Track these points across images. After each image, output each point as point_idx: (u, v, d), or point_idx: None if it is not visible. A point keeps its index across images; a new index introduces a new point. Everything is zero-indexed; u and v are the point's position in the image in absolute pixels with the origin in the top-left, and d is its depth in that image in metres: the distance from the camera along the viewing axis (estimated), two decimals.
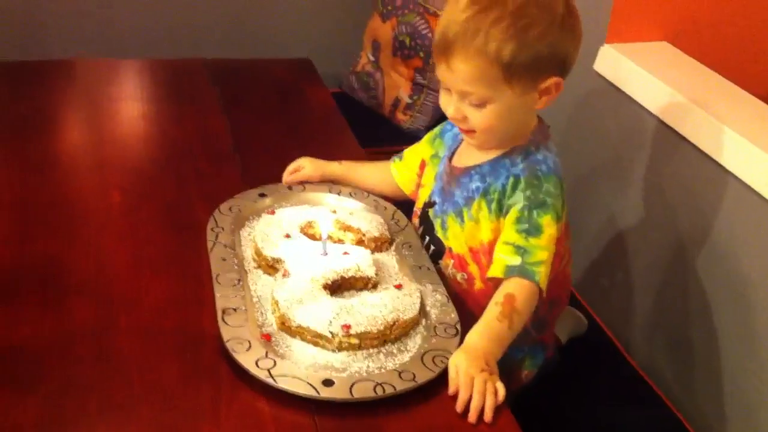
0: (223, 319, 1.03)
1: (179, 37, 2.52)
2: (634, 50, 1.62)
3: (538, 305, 1.11)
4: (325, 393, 0.95)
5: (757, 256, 1.32)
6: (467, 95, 1.11)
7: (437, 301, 1.11)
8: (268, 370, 0.96)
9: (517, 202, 1.12)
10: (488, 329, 1.04)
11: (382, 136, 2.29)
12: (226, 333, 1.01)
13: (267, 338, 1.03)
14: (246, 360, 0.97)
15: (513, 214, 1.12)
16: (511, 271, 1.08)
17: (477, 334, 1.04)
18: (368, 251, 1.17)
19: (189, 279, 1.15)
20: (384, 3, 2.38)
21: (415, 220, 1.29)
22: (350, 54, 2.52)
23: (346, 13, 2.60)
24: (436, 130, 1.30)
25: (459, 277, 1.21)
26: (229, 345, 0.99)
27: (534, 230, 1.10)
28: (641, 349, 1.60)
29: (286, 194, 1.31)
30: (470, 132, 1.15)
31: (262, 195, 1.30)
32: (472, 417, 0.95)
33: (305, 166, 1.34)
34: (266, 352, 0.99)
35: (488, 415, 0.95)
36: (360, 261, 1.13)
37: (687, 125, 1.44)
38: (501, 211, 1.14)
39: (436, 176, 1.26)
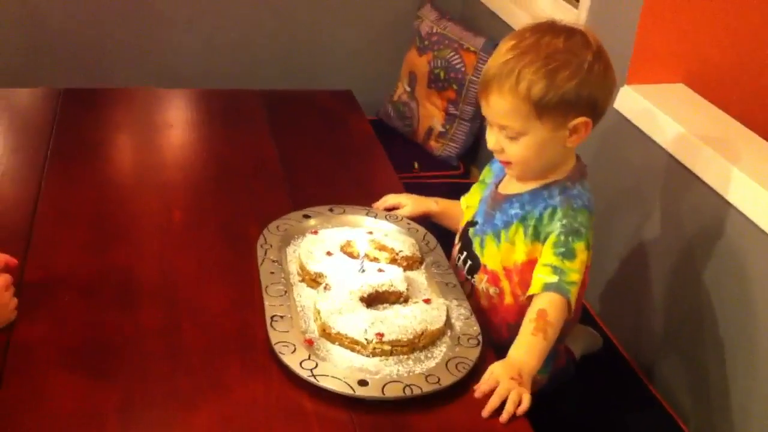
0: (271, 325, 1.14)
1: (234, 70, 2.65)
2: (652, 91, 1.69)
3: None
4: (361, 391, 1.05)
5: (761, 285, 1.40)
6: (504, 128, 1.22)
7: (461, 314, 1.22)
8: (311, 370, 1.07)
9: (555, 229, 1.22)
10: (525, 343, 1.15)
11: (414, 162, 2.41)
12: (274, 337, 1.12)
13: (310, 343, 1.13)
14: (291, 361, 1.08)
15: (551, 240, 1.22)
16: (548, 288, 1.19)
17: (515, 348, 1.14)
18: (401, 269, 1.27)
19: (243, 288, 1.26)
20: (421, 38, 2.50)
21: (457, 236, 1.39)
22: (388, 84, 2.63)
23: (385, 47, 2.71)
24: (491, 162, 1.41)
25: (491, 291, 1.32)
26: (276, 348, 1.10)
27: (569, 254, 1.20)
28: (656, 370, 1.66)
29: (328, 216, 1.41)
30: (507, 163, 1.27)
31: (307, 216, 1.41)
32: (484, 413, 1.05)
33: (407, 204, 1.46)
34: (309, 355, 1.09)
35: (503, 417, 1.05)
36: (393, 277, 1.22)
37: (698, 163, 1.52)
38: (536, 236, 1.25)
39: (481, 200, 1.37)
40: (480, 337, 1.17)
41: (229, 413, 1.04)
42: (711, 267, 1.52)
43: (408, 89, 2.55)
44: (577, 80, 1.18)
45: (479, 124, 2.47)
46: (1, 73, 2.48)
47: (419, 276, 1.31)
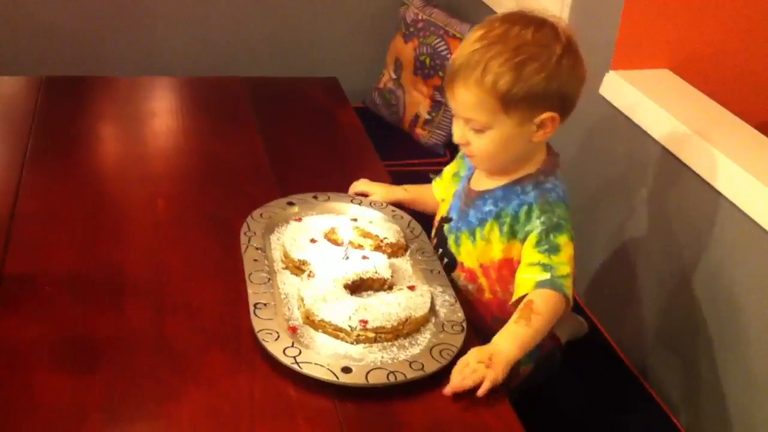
0: (254, 313, 1.13)
1: (219, 58, 2.64)
2: (637, 77, 1.69)
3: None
4: (344, 378, 1.04)
5: (747, 274, 1.40)
6: (470, 121, 1.20)
7: (446, 301, 1.21)
8: (294, 358, 1.06)
9: (535, 228, 1.20)
10: (506, 330, 1.13)
11: (400, 150, 2.40)
12: (257, 324, 1.12)
13: (293, 330, 1.13)
14: (275, 348, 1.08)
15: (532, 239, 1.19)
16: (541, 285, 1.15)
17: (500, 334, 1.13)
18: (385, 256, 1.27)
19: (228, 279, 1.25)
20: (407, 25, 2.49)
21: (433, 231, 1.38)
22: (374, 72, 2.63)
23: (371, 34, 2.71)
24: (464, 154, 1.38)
25: (470, 287, 1.31)
26: (259, 335, 1.10)
27: (554, 249, 1.18)
28: (647, 362, 1.66)
29: (312, 204, 1.41)
30: (472, 156, 1.25)
31: (291, 203, 1.41)
32: (446, 390, 1.05)
33: (376, 192, 1.45)
34: (293, 342, 1.09)
35: (446, 390, 1.05)
36: (377, 264, 1.22)
37: (684, 150, 1.52)
38: (513, 234, 1.23)
39: (454, 193, 1.35)
40: (464, 324, 1.17)
41: (213, 405, 1.03)
42: (699, 256, 1.52)
43: (394, 76, 2.55)
44: (545, 74, 1.15)
45: None
46: None
47: (404, 263, 1.30)
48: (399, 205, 1.45)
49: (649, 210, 1.67)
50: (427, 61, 2.42)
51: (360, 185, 1.47)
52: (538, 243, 1.19)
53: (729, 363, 1.46)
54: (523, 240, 1.21)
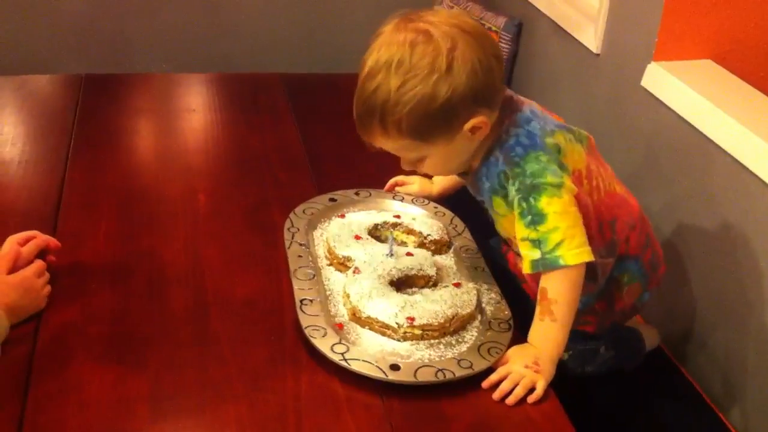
0: (301, 309, 1.14)
1: (252, 54, 2.64)
2: (680, 68, 1.67)
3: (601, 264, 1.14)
4: (393, 376, 1.04)
5: None
6: (405, 156, 1.17)
7: (491, 299, 1.21)
8: (342, 354, 1.06)
9: (513, 197, 1.13)
10: (536, 332, 1.12)
11: None
12: (304, 321, 1.12)
13: (340, 327, 1.13)
14: (322, 345, 1.08)
15: (516, 210, 1.13)
16: (536, 266, 1.11)
17: (531, 334, 1.12)
18: (429, 253, 1.26)
19: (269, 274, 1.26)
20: None
21: None
22: None
23: None
24: None
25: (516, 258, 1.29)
26: (307, 331, 1.10)
27: (538, 218, 1.10)
28: (688, 355, 1.64)
29: (354, 200, 1.41)
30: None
31: (332, 200, 1.41)
32: (495, 396, 1.05)
33: (413, 183, 1.43)
34: (340, 339, 1.09)
35: (510, 400, 1.04)
36: (422, 261, 1.21)
37: (728, 139, 1.49)
38: (510, 207, 1.16)
39: None
40: (511, 322, 1.16)
41: (259, 400, 1.04)
42: (739, 245, 1.50)
43: None
44: (435, 94, 1.06)
45: None
46: (19, 61, 2.48)
47: (448, 260, 1.30)
48: (433, 198, 1.44)
49: (693, 202, 1.64)
50: None
51: (399, 177, 1.46)
52: (521, 214, 1.12)
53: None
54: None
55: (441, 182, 1.46)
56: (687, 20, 1.69)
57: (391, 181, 1.46)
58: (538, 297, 1.12)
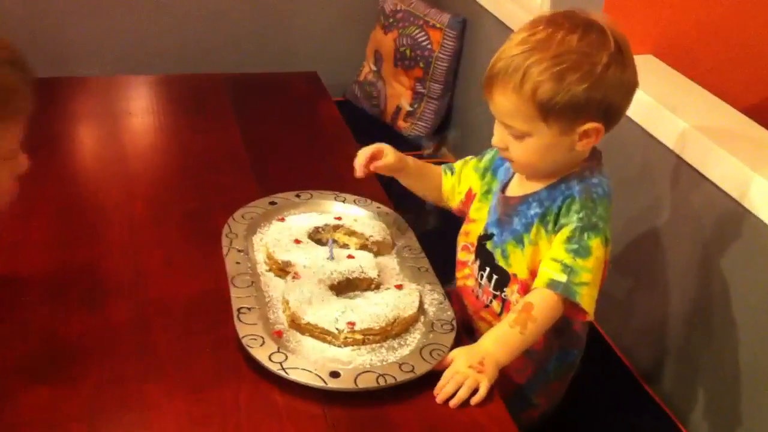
0: (238, 318, 1.11)
1: (196, 55, 2.59)
2: None
3: (573, 323, 1.15)
4: (333, 383, 1.02)
5: (745, 262, 1.38)
6: (508, 127, 1.15)
7: (434, 299, 1.19)
8: (281, 363, 1.04)
9: (570, 222, 1.14)
10: (498, 332, 1.10)
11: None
12: (241, 330, 1.09)
13: (279, 335, 1.10)
14: (260, 354, 1.05)
15: (564, 233, 1.14)
16: (555, 287, 1.11)
17: (486, 336, 1.10)
18: (371, 254, 1.25)
19: (211, 281, 1.22)
20: (386, 16, 2.46)
21: (464, 254, 1.30)
22: (354, 64, 2.61)
23: (350, 26, 2.67)
24: (486, 163, 1.31)
25: None
26: (244, 341, 1.07)
27: (583, 252, 1.12)
28: (653, 371, 1.62)
29: (294, 202, 1.38)
30: (511, 161, 1.20)
31: (273, 203, 1.38)
32: (439, 399, 1.04)
33: (388, 154, 1.32)
34: (278, 347, 1.06)
35: (453, 402, 1.03)
36: (363, 263, 1.20)
37: (671, 136, 1.50)
38: (557, 231, 1.16)
39: (489, 210, 1.27)
40: (454, 323, 1.15)
41: (199, 413, 1.01)
42: (671, 234, 1.51)
43: (374, 68, 2.52)
44: (587, 84, 1.08)
45: (447, 102, 2.43)
46: None
47: (391, 261, 1.28)
48: (400, 171, 1.35)
49: (638, 199, 1.65)
50: (408, 52, 2.39)
51: (370, 148, 1.34)
52: (568, 239, 1.13)
53: (735, 366, 1.42)
54: (557, 231, 1.16)
55: (422, 164, 1.39)
56: (628, 16, 1.69)
57: (366, 152, 1.33)
58: (519, 307, 1.11)
